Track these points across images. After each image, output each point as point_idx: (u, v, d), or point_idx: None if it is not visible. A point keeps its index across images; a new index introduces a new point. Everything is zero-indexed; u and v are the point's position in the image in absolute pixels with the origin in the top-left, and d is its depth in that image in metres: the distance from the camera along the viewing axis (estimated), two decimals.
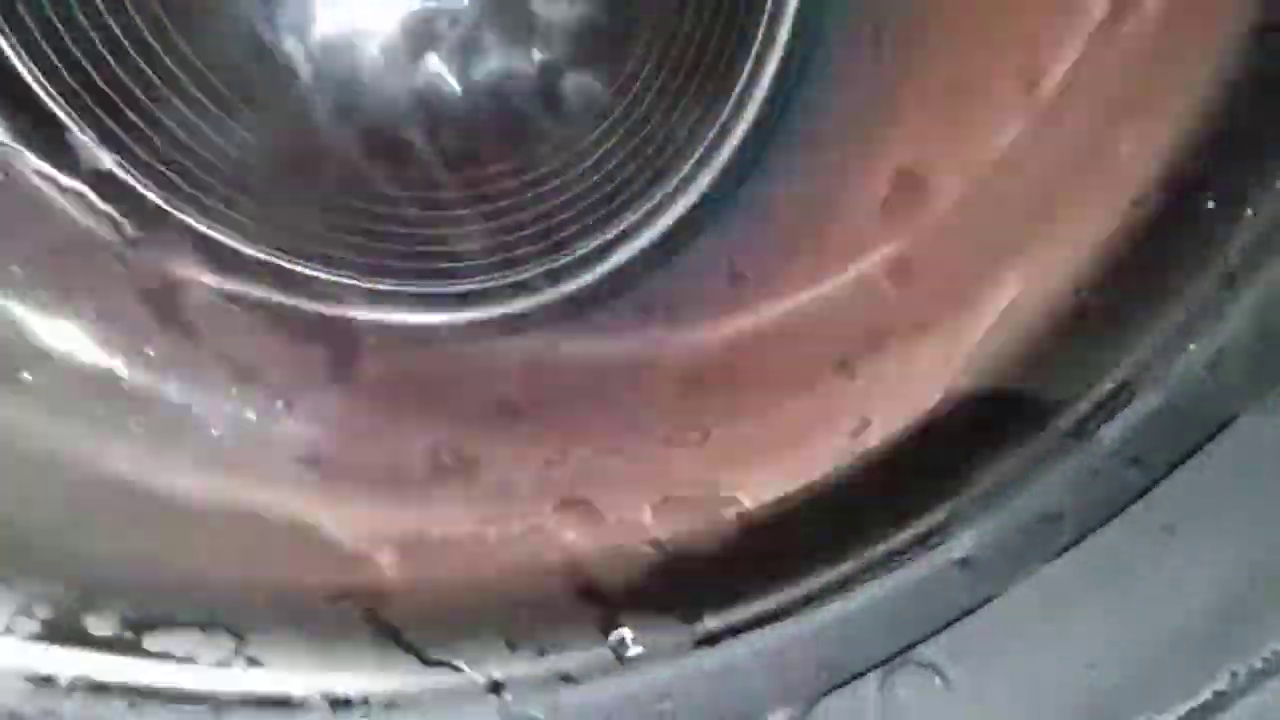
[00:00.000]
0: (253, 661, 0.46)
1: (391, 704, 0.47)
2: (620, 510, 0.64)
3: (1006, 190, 0.71)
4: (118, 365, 0.58)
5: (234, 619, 0.48)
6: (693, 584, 0.61)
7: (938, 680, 0.55)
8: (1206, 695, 0.51)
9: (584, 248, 0.71)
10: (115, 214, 0.59)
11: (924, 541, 0.61)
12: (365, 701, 0.47)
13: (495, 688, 0.51)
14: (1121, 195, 0.65)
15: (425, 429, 0.60)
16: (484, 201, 0.67)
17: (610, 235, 0.71)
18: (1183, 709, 0.51)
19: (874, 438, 0.70)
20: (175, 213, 0.61)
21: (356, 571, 0.52)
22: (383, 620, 0.51)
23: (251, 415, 0.57)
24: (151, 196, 0.60)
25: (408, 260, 0.66)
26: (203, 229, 0.61)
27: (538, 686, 0.52)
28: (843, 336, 0.73)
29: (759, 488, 0.68)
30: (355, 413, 0.58)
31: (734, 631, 0.58)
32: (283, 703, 0.45)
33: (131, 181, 0.59)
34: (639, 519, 0.64)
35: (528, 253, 0.70)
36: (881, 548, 0.62)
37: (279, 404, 0.56)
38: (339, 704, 0.46)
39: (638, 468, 0.66)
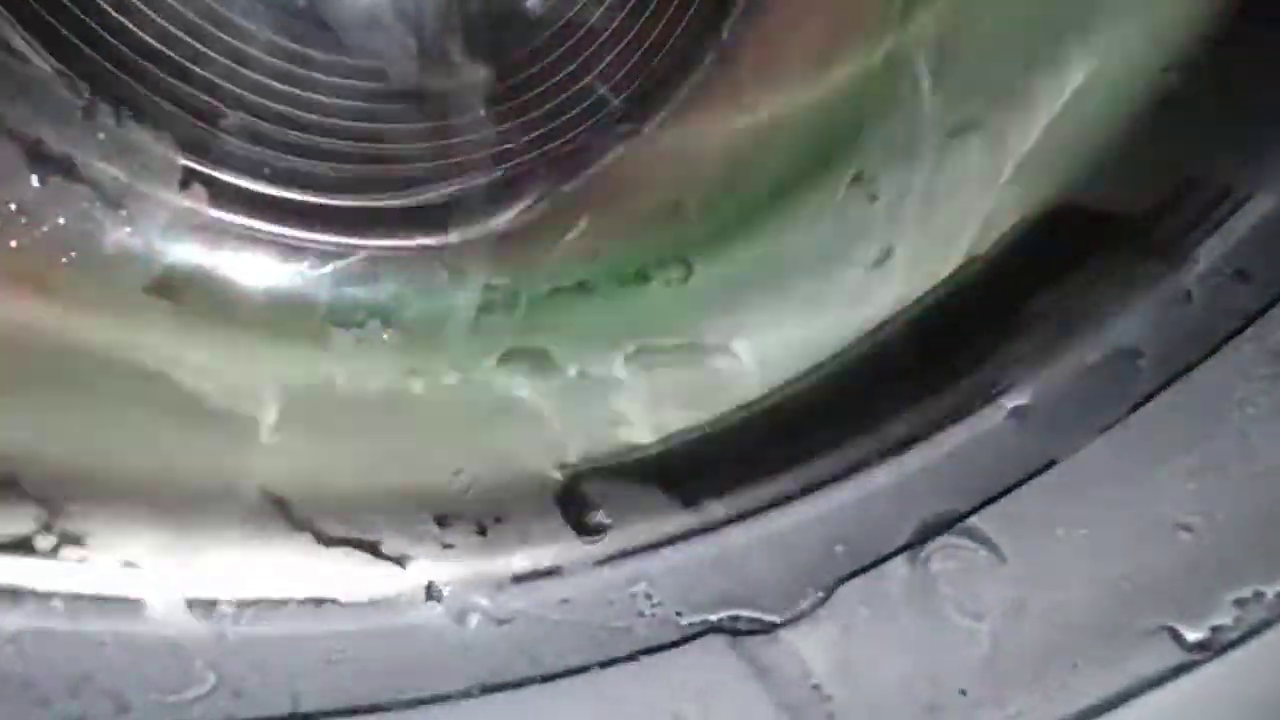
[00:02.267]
0: (72, 542, 0.34)
1: (274, 602, 0.36)
2: (583, 361, 0.52)
3: None
4: None
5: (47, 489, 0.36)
6: (681, 461, 0.51)
7: (984, 554, 0.45)
8: None
9: None
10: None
11: (971, 397, 0.51)
12: (237, 600, 0.36)
13: (418, 568, 0.41)
14: None
15: None
16: None
17: None
18: None
19: (901, 271, 0.59)
20: None
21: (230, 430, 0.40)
22: (266, 490, 0.40)
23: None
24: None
25: None
26: None
27: (481, 578, 0.42)
28: (860, 143, 0.60)
29: (755, 338, 0.57)
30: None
31: (739, 517, 0.47)
32: (120, 600, 0.34)
33: None
34: (608, 373, 0.53)
35: None
36: (917, 411, 0.51)
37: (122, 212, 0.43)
38: (198, 604, 0.35)
39: (605, 309, 0.54)
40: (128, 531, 0.35)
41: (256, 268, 0.45)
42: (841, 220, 0.60)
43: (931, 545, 0.46)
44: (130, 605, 0.34)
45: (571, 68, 0.52)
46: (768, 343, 0.57)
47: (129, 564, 0.36)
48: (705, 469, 0.51)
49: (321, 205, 0.47)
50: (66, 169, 0.41)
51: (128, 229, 0.41)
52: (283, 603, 0.36)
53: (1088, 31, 0.58)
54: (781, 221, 0.60)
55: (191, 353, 0.40)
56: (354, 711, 0.34)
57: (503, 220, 0.54)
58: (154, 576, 0.36)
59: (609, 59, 0.54)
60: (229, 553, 0.37)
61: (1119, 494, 0.47)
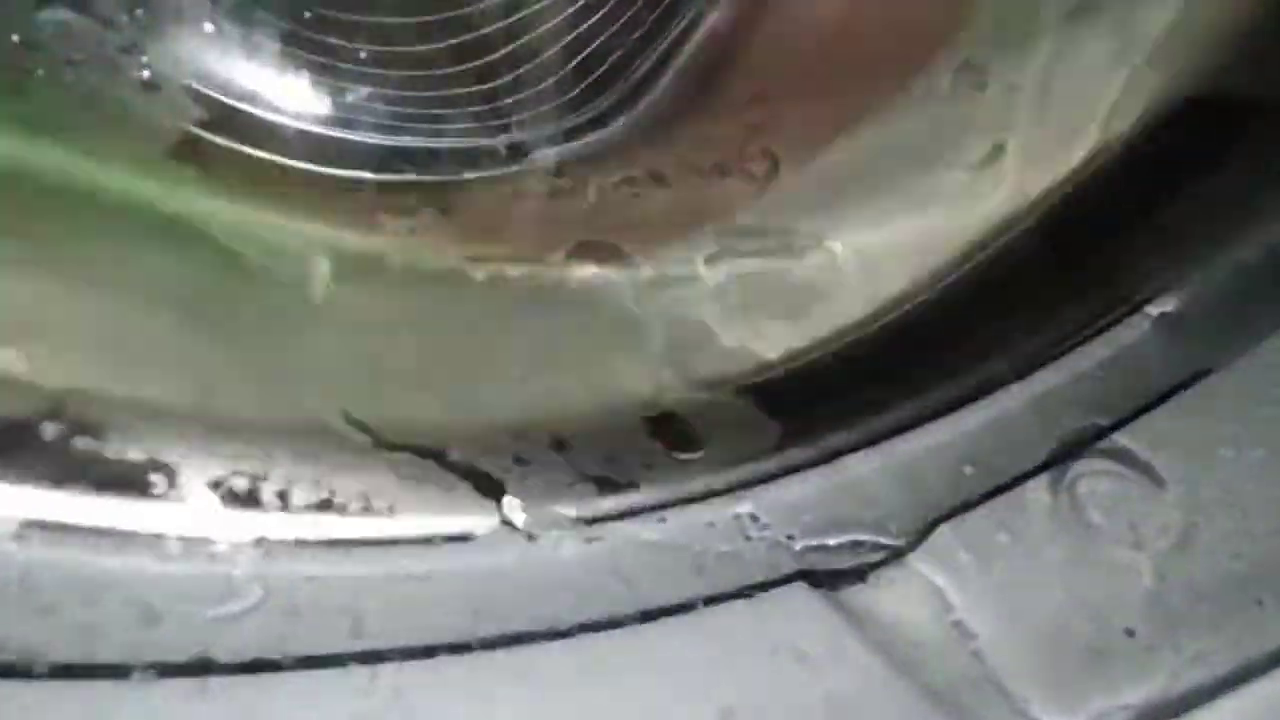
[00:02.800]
0: (85, 431, 0.28)
1: (325, 506, 0.30)
2: (659, 261, 0.46)
3: None
4: None
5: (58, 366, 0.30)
6: (785, 381, 0.45)
7: (1138, 477, 0.39)
8: None
9: None
10: None
11: (1111, 306, 0.45)
12: (281, 503, 0.30)
13: (492, 485, 0.35)
14: None
15: None
16: None
17: None
18: None
19: (1013, 169, 0.52)
20: None
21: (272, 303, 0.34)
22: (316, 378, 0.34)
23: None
24: None
25: None
26: None
27: (561, 495, 0.36)
28: (970, 26, 0.53)
29: (851, 240, 0.51)
30: None
31: (856, 446, 0.41)
32: (145, 494, 0.28)
33: None
34: (687, 274, 0.46)
35: None
36: (1051, 324, 0.45)
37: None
38: (237, 502, 0.29)
39: (682, 203, 0.48)
40: (153, 418, 0.29)
41: (293, 138, 0.39)
42: (947, 112, 0.54)
43: (1076, 467, 0.40)
44: (158, 501, 0.28)
45: None
46: (867, 245, 0.50)
47: (153, 455, 0.30)
48: (814, 389, 0.45)
49: (370, 70, 0.40)
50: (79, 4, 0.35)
51: (147, 75, 0.34)
52: (336, 508, 0.30)
53: None
54: (878, 113, 0.53)
55: (223, 214, 0.34)
56: (426, 652, 0.28)
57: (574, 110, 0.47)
58: (185, 470, 0.30)
59: None
60: (271, 447, 0.31)
61: None
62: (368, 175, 0.40)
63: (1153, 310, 0.45)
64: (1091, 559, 0.37)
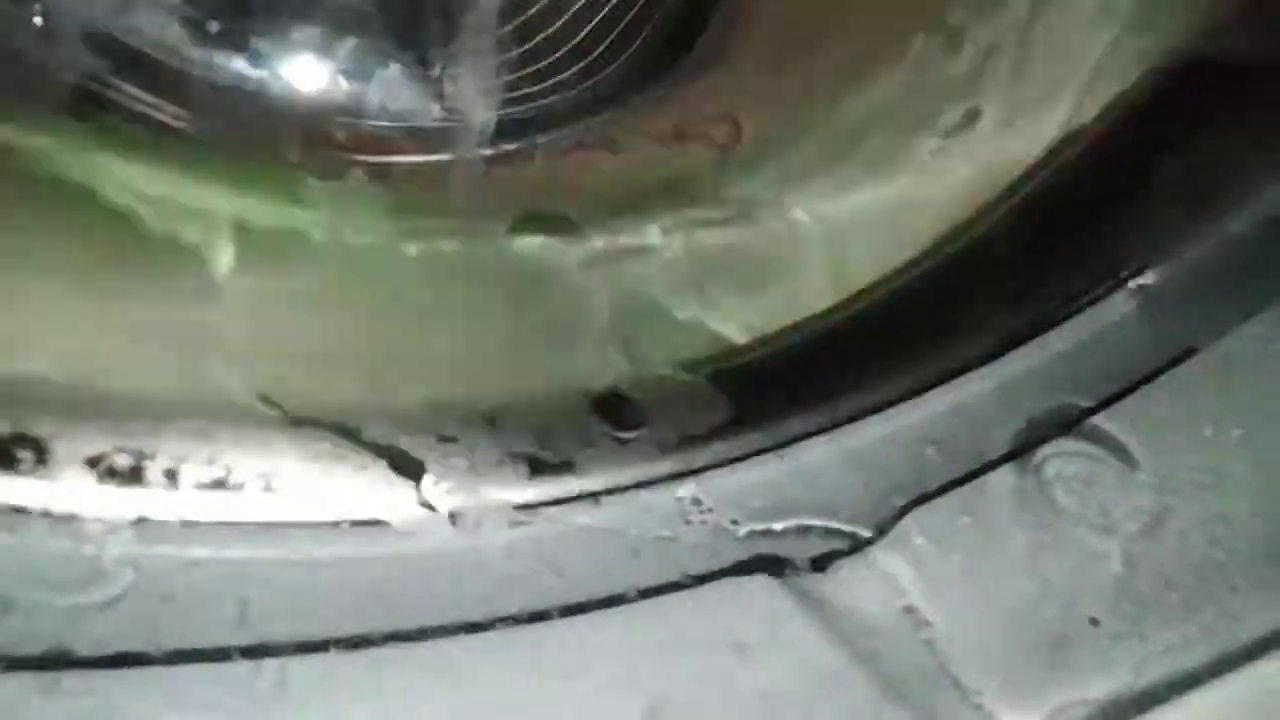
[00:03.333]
0: None
1: (216, 486, 0.28)
2: (611, 230, 0.44)
3: None
4: None
5: None
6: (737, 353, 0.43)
7: (1109, 458, 0.37)
8: None
9: None
10: None
11: (1091, 280, 0.43)
12: (167, 481, 0.28)
13: (410, 464, 0.33)
14: None
15: None
16: None
17: None
18: None
19: (990, 136, 0.50)
20: None
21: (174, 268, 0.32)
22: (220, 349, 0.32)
23: None
24: None
25: None
26: None
27: (489, 476, 0.34)
28: None
29: (816, 210, 0.49)
30: None
31: (816, 431, 0.39)
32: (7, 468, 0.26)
33: None
34: (641, 244, 0.44)
35: None
36: (1029, 298, 0.43)
37: None
38: (112, 478, 0.27)
39: (637, 170, 0.46)
40: (22, 389, 0.27)
41: (204, 94, 0.37)
42: (919, 75, 0.51)
43: (1046, 448, 0.38)
44: (22, 477, 0.26)
45: None
46: (832, 216, 0.48)
47: (19, 429, 0.28)
48: (768, 367, 0.43)
49: (289, 19, 0.38)
50: None
51: (41, 22, 0.32)
52: (230, 488, 0.28)
53: None
54: (846, 76, 0.51)
55: (123, 174, 0.32)
56: (324, 644, 0.26)
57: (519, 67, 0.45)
58: (58, 446, 0.28)
59: None
60: (162, 422, 0.29)
61: (1274, 386, 0.39)
62: (290, 131, 0.38)
63: (1133, 285, 0.43)
64: (1057, 544, 0.35)
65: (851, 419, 0.40)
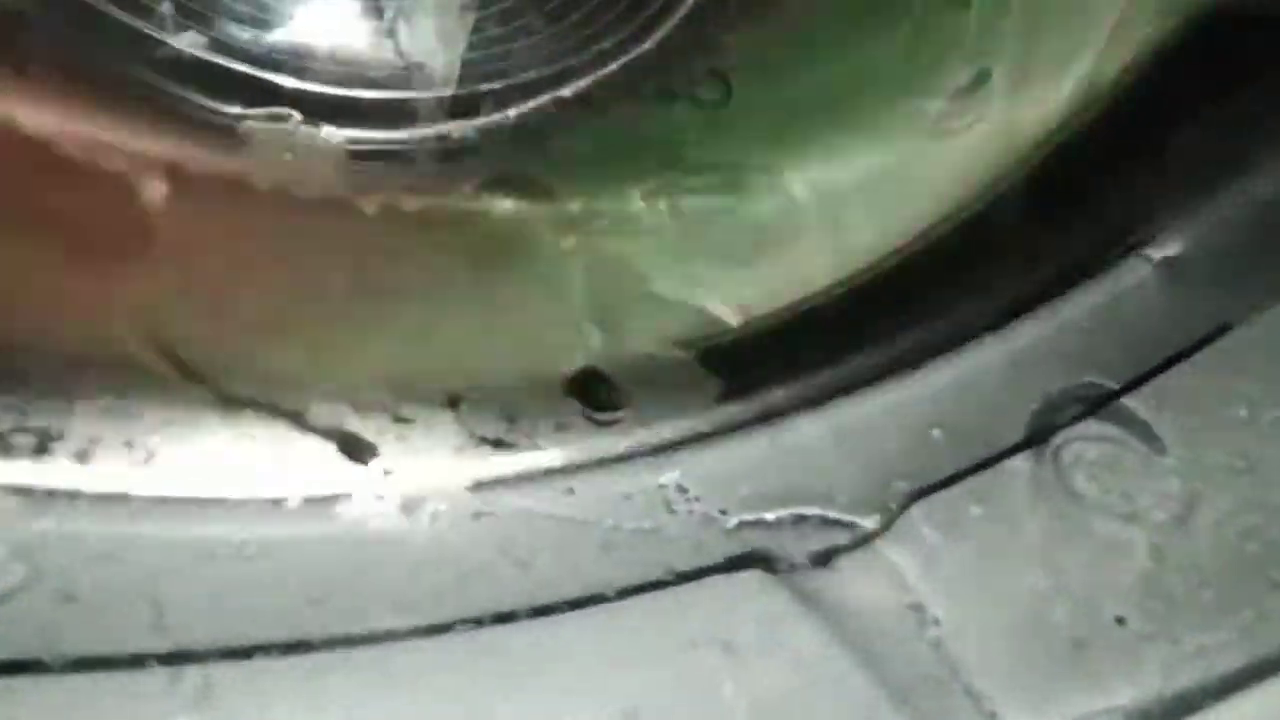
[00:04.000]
0: None
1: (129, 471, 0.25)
2: (588, 196, 0.41)
3: None
4: None
5: None
6: (734, 333, 0.40)
7: (1134, 441, 0.34)
8: None
9: None
10: None
11: (1107, 247, 0.40)
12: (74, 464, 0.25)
13: (360, 447, 0.30)
14: None
15: None
16: None
17: None
18: None
19: (1000, 97, 0.47)
20: None
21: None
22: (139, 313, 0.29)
23: None
24: None
25: None
26: None
27: (449, 462, 0.31)
28: None
29: (811, 175, 0.46)
30: None
31: (806, 404, 0.37)
32: None
33: None
34: (621, 210, 0.41)
35: None
36: (1038, 267, 0.41)
37: None
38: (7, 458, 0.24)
39: (617, 132, 0.43)
40: None
41: (132, 31, 0.33)
42: (925, 32, 0.48)
43: (1064, 431, 0.35)
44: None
45: None
46: (830, 183, 0.45)
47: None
48: (760, 342, 0.40)
49: None
50: None
51: None
52: (147, 472, 0.25)
53: None
54: (845, 31, 0.48)
55: (35, 118, 0.28)
56: (254, 650, 0.23)
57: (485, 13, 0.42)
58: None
59: None
60: (70, 396, 0.26)
61: None
62: (232, 80, 0.35)
63: (1153, 254, 0.40)
64: (1077, 535, 0.32)
65: (849, 392, 0.37)
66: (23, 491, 0.23)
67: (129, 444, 0.26)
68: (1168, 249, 0.41)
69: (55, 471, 0.24)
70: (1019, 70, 0.48)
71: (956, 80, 0.48)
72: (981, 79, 0.48)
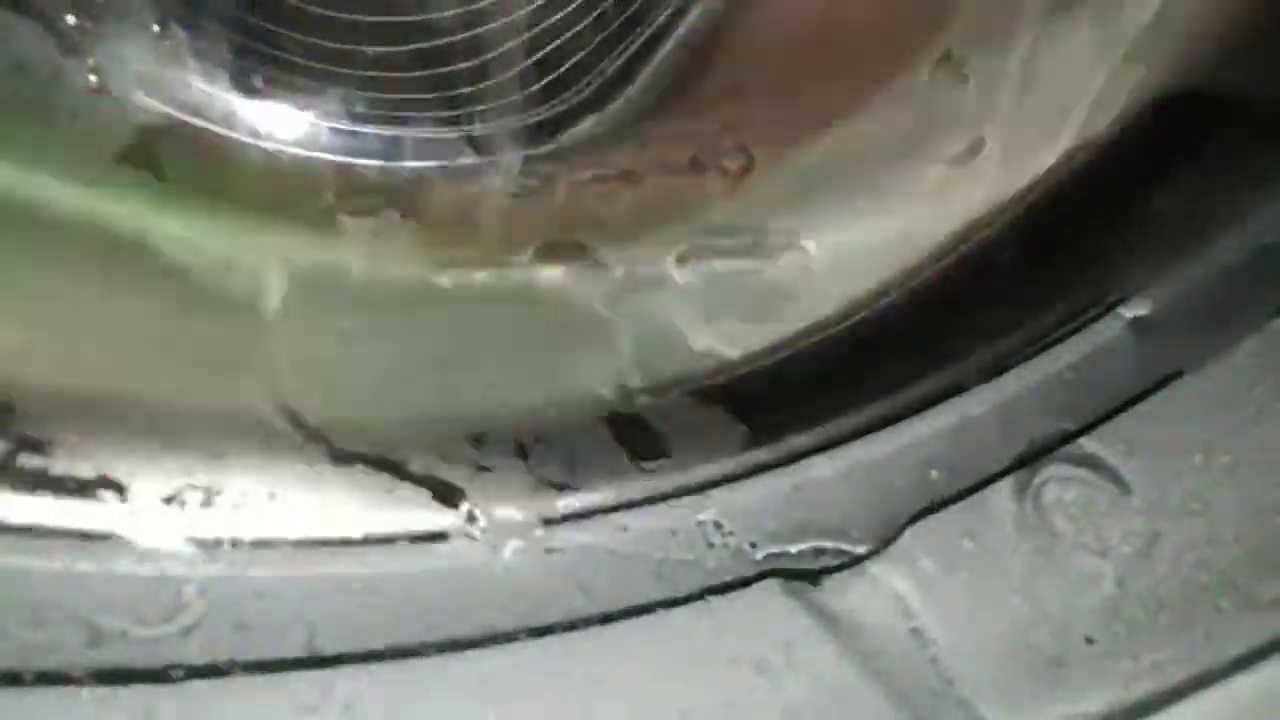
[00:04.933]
0: (32, 448, 0.29)
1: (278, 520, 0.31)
2: (630, 261, 0.46)
3: None
4: None
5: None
6: (753, 382, 0.45)
7: (1105, 482, 0.40)
8: None
9: None
10: None
11: (1084, 307, 0.45)
12: (234, 516, 0.31)
13: (451, 492, 0.36)
14: None
15: None
16: None
17: None
18: None
19: (994, 164, 0.53)
20: None
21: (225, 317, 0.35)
22: (270, 391, 0.35)
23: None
24: None
25: None
26: None
27: (524, 504, 0.37)
28: (951, 17, 0.53)
29: (826, 239, 0.51)
30: None
31: (821, 448, 0.42)
32: (91, 514, 0.29)
33: None
34: (659, 274, 0.47)
35: None
36: (1022, 325, 0.46)
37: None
38: (185, 520, 0.29)
39: (653, 205, 0.48)
40: (99, 436, 0.29)
41: (249, 134, 0.39)
42: (926, 106, 0.54)
43: (1044, 473, 0.41)
44: (104, 520, 0.29)
45: None
46: (842, 244, 0.51)
47: (100, 475, 0.31)
48: (780, 392, 0.46)
49: (328, 69, 0.40)
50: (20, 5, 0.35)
51: (94, 79, 0.35)
52: (289, 518, 0.31)
53: None
54: (858, 107, 0.54)
55: (174, 225, 0.34)
56: (381, 655, 0.29)
57: (541, 107, 0.47)
58: (132, 489, 0.31)
59: None
60: (223, 464, 0.31)
61: (1263, 412, 0.42)
62: (327, 175, 0.40)
63: (1126, 312, 0.46)
64: (1054, 567, 0.38)
65: (859, 436, 0.43)
66: (198, 541, 0.29)
67: (272, 495, 0.32)
68: (1138, 308, 0.46)
69: (220, 522, 0.30)
70: (1010, 138, 0.54)
71: (954, 148, 0.54)
72: (976, 147, 0.54)
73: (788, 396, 0.45)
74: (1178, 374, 0.43)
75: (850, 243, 0.51)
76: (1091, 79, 0.53)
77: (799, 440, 0.43)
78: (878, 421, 0.43)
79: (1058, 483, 0.41)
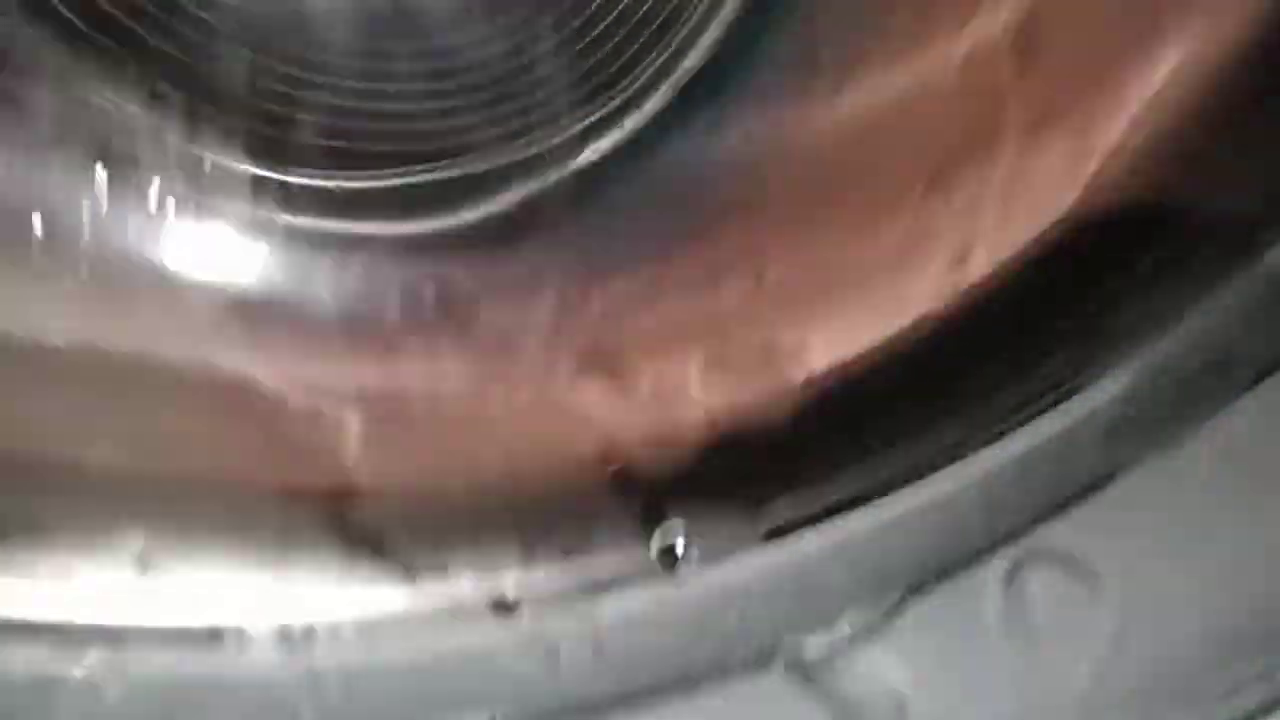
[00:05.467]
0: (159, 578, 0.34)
1: (368, 630, 0.36)
2: (657, 374, 0.52)
3: None
4: None
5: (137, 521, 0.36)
6: (755, 466, 0.50)
7: (1083, 578, 0.45)
8: None
9: None
10: None
11: (1049, 396, 0.50)
12: (327, 630, 0.36)
13: (504, 605, 0.41)
14: None
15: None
16: None
17: None
18: None
19: (980, 268, 0.58)
20: None
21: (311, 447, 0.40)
22: (349, 520, 0.40)
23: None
24: None
25: None
26: None
27: (563, 600, 0.42)
28: (938, 141, 0.59)
29: (830, 343, 0.57)
30: None
31: (807, 521, 0.47)
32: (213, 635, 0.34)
33: None
34: (682, 383, 0.52)
35: None
36: (981, 412, 0.50)
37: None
38: (289, 635, 0.35)
39: (677, 317, 0.54)
40: (205, 555, 0.35)
41: (326, 275, 0.45)
42: (921, 221, 0.59)
43: (1025, 567, 0.45)
44: (209, 637, 0.34)
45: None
46: (844, 344, 0.56)
47: (206, 590, 0.36)
48: (782, 475, 0.50)
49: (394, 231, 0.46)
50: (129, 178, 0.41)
51: (197, 243, 0.40)
52: (372, 631, 0.36)
53: (1188, 11, 0.56)
54: (859, 221, 0.59)
55: (269, 365, 0.39)
56: None
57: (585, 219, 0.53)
58: (235, 605, 0.36)
59: None
60: (313, 579, 0.37)
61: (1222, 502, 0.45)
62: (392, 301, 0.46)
63: (1089, 400, 0.50)
64: (1033, 660, 0.42)
65: (848, 510, 0.47)
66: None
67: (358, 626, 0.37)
68: (1102, 400, 0.50)
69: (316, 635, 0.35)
70: (996, 242, 0.59)
71: (948, 256, 0.60)
72: (964, 254, 0.59)
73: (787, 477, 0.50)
74: (1132, 464, 0.47)
75: (852, 355, 0.56)
76: (1064, 189, 0.58)
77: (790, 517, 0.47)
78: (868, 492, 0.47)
79: (1037, 576, 0.45)
